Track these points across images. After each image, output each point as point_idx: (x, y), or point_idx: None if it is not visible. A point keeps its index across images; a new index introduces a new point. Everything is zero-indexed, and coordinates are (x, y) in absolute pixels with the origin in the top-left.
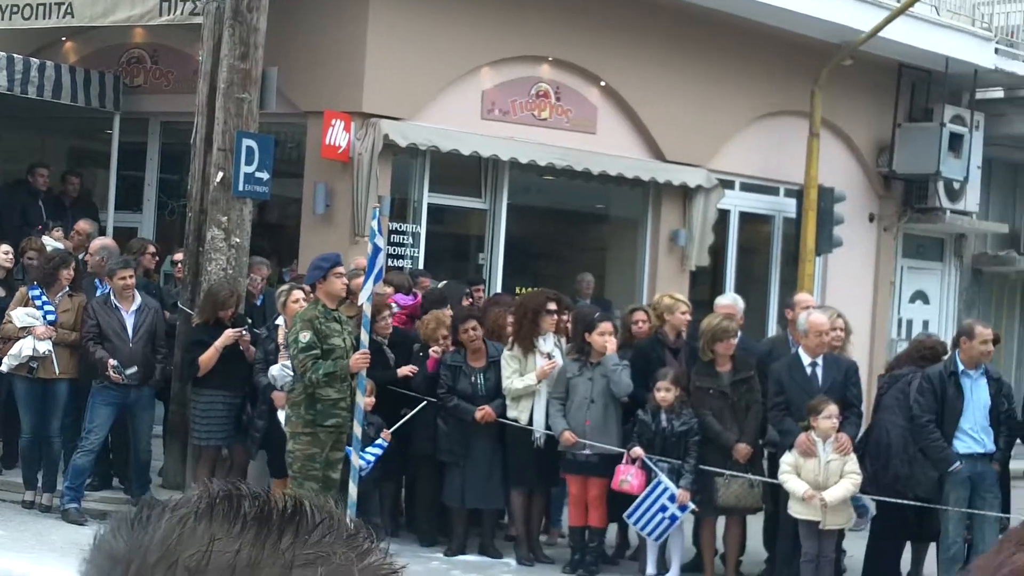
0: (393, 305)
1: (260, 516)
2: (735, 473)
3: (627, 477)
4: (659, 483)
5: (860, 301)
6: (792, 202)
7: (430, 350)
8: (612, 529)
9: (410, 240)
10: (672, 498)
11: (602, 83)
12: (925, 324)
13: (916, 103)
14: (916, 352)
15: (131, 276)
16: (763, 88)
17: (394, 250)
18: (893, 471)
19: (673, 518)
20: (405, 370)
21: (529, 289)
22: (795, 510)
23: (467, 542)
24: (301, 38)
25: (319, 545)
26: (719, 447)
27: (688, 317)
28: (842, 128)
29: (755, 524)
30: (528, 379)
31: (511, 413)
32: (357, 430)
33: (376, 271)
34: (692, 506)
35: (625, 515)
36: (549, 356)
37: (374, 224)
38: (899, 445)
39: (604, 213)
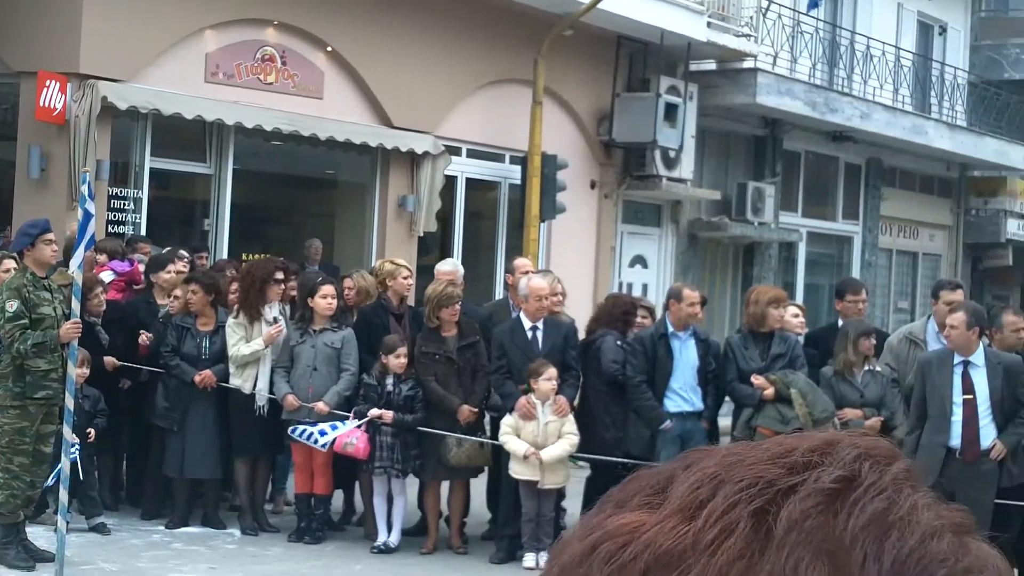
0: (106, 277)
1: None
2: (459, 436)
3: (351, 440)
4: (361, 419)
5: (583, 266)
6: (517, 169)
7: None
8: (338, 496)
9: (131, 206)
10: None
11: (328, 48)
12: (644, 288)
13: (634, 74)
14: (612, 312)
15: None
16: (489, 56)
17: (115, 216)
18: (600, 435)
19: (322, 433)
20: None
21: (257, 256)
22: (515, 471)
23: (191, 514)
24: None
25: None
26: (443, 411)
27: (410, 282)
28: (564, 97)
29: (478, 486)
30: (255, 344)
31: (234, 382)
32: (69, 402)
33: (87, 238)
34: (344, 426)
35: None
36: (275, 321)
37: (84, 189)
38: (600, 409)
39: (332, 179)
